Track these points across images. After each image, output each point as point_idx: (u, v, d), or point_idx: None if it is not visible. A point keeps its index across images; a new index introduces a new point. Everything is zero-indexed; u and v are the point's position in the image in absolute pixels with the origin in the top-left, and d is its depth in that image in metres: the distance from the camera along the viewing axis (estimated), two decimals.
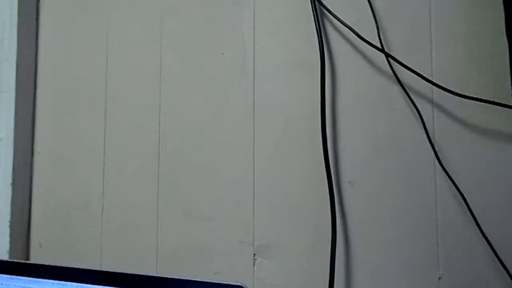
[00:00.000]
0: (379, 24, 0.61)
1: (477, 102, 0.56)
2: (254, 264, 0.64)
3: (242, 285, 0.42)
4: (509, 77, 0.55)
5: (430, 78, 0.59)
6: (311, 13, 0.63)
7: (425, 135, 0.58)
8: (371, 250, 0.60)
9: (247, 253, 0.64)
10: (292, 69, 0.66)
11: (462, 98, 0.57)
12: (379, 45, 0.60)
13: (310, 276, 0.61)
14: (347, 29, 0.61)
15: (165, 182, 0.71)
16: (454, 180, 0.57)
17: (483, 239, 0.55)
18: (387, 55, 0.60)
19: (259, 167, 0.65)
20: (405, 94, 0.60)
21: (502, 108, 0.55)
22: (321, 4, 0.63)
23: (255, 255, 0.64)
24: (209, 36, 0.70)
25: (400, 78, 0.60)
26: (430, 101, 0.60)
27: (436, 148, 0.58)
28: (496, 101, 0.55)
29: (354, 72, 0.63)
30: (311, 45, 0.64)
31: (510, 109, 0.55)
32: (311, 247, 0.62)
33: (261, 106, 0.66)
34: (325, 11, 0.63)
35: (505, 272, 0.54)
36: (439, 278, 0.57)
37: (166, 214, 0.70)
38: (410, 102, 0.59)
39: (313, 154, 0.63)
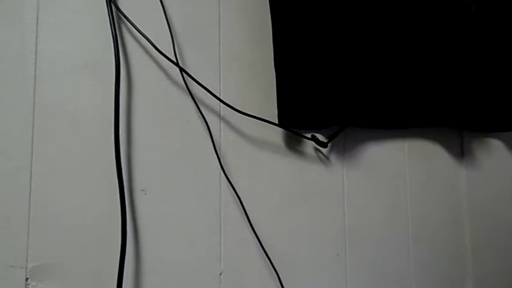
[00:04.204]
0: (174, 39, 0.65)
1: (254, 119, 0.66)
2: None
3: None
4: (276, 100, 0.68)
5: (218, 96, 0.65)
6: (107, 15, 0.61)
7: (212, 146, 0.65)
8: (161, 256, 0.61)
9: (17, 278, 0.55)
10: (83, 71, 0.61)
11: (242, 115, 0.65)
12: (174, 59, 0.63)
13: None
14: (144, 38, 0.62)
15: None
16: (234, 186, 0.65)
17: (256, 238, 0.65)
18: (181, 70, 0.63)
19: (37, 177, 0.57)
20: (197, 108, 0.65)
21: (271, 125, 0.67)
22: (118, 8, 0.61)
23: (28, 279, 0.55)
24: None
25: (193, 92, 0.64)
26: (218, 115, 0.67)
27: (221, 158, 0.65)
28: (268, 119, 0.67)
29: (150, 82, 0.64)
30: (105, 48, 0.61)
31: (276, 126, 0.67)
32: (97, 262, 0.58)
33: (43, 110, 0.58)
34: (122, 16, 0.62)
35: (269, 263, 0.65)
36: (220, 274, 0.64)
37: None
38: (200, 115, 0.65)
39: (104, 162, 0.59)
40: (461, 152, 0.83)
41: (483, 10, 0.79)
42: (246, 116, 0.66)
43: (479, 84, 0.79)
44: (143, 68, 0.63)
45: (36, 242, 0.56)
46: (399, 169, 0.78)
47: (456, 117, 0.78)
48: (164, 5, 0.64)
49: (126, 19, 0.62)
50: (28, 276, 0.55)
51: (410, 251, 0.77)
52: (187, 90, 0.64)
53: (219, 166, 0.65)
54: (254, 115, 0.66)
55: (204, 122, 0.65)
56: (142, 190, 0.62)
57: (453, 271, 0.80)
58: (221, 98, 0.66)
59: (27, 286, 0.55)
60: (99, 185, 0.59)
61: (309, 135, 0.70)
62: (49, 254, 0.56)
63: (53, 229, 0.57)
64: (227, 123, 0.67)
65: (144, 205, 0.61)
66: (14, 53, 0.58)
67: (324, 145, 0.70)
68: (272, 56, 0.68)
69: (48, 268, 0.56)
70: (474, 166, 0.83)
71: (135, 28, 0.62)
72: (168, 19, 0.64)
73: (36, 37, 0.59)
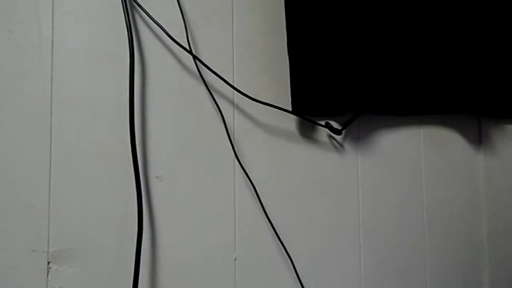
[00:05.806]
0: (188, 27, 0.65)
1: (267, 106, 0.66)
2: (48, 273, 0.57)
3: None
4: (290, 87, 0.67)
5: (231, 83, 0.65)
6: (121, 3, 0.61)
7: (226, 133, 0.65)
8: (176, 242, 0.63)
9: (40, 262, 0.57)
10: (98, 60, 0.61)
11: (256, 102, 0.65)
12: (187, 47, 0.63)
13: (114, 277, 0.59)
14: (157, 26, 0.62)
15: None
16: (247, 172, 0.65)
17: (269, 223, 0.66)
18: (195, 57, 0.64)
19: (56, 165, 0.58)
20: (210, 95, 0.65)
21: (285, 112, 0.67)
22: None
23: (50, 263, 0.57)
24: None
25: (206, 80, 0.65)
26: (231, 102, 0.67)
27: (235, 145, 0.66)
28: (281, 106, 0.67)
29: (164, 69, 0.64)
30: (120, 37, 0.61)
31: (289, 113, 0.67)
32: (115, 247, 0.59)
33: (60, 99, 0.59)
34: (135, 4, 0.62)
35: (284, 250, 0.66)
36: (235, 259, 0.65)
37: None
38: (214, 102, 0.65)
39: (120, 150, 0.60)
40: (478, 139, 0.81)
41: None
42: (259, 104, 0.66)
43: (498, 69, 0.77)
44: (156, 56, 0.64)
45: (56, 227, 0.58)
46: (414, 156, 0.77)
47: (474, 103, 0.76)
48: None
49: (140, 7, 0.62)
50: (49, 260, 0.57)
51: (425, 239, 0.76)
52: (200, 78, 0.64)
53: (233, 153, 0.65)
54: (268, 102, 0.66)
55: (217, 110, 0.65)
56: (157, 177, 0.63)
57: (469, 260, 0.79)
58: (235, 85, 0.66)
59: (49, 269, 0.57)
60: (116, 172, 0.61)
61: (323, 122, 0.69)
62: (69, 239, 0.58)
63: (73, 215, 0.59)
64: (241, 110, 0.67)
65: (160, 192, 0.62)
66: (31, 44, 0.59)
67: (338, 132, 0.69)
68: (286, 42, 0.67)
69: (69, 252, 0.58)
70: (492, 153, 0.81)
71: (148, 16, 0.62)
72: (181, 6, 0.64)
73: (52, 28, 0.60)
